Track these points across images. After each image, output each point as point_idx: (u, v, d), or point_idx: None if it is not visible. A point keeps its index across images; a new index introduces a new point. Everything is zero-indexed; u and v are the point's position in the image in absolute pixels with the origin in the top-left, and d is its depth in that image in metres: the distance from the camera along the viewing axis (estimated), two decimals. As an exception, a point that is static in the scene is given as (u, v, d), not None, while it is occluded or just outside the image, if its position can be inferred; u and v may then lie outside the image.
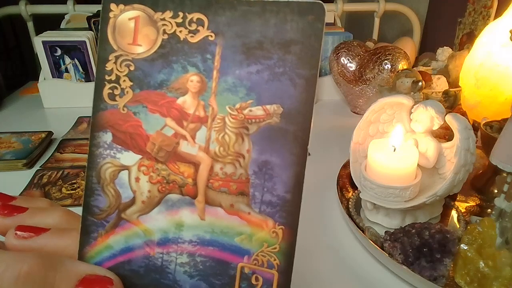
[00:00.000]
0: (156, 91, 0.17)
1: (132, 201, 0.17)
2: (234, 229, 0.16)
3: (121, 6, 0.17)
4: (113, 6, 0.17)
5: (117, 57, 0.17)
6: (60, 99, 0.91)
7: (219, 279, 0.16)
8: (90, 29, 0.94)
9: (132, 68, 0.17)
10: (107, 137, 0.17)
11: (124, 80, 0.17)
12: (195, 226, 0.16)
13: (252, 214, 0.16)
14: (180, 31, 0.16)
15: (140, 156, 0.17)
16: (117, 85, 0.17)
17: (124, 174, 0.17)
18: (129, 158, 0.17)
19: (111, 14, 0.17)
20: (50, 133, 0.72)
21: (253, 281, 0.16)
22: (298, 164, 0.16)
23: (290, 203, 0.15)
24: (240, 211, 0.16)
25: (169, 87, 0.17)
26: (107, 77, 0.17)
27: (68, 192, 0.55)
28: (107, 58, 0.17)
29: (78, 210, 0.45)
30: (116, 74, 0.17)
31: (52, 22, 1.05)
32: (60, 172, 0.60)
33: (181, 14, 0.16)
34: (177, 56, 0.17)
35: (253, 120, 0.16)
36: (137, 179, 0.17)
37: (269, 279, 0.16)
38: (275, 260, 0.16)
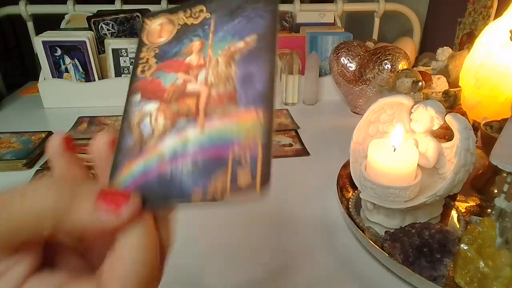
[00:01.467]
0: (172, 59, 0.24)
1: (152, 135, 0.22)
2: (227, 129, 0.20)
3: (152, 19, 0.25)
4: (147, 20, 0.25)
5: (147, 48, 0.24)
6: (60, 99, 0.91)
7: (215, 169, 0.20)
8: (90, 29, 0.94)
9: (157, 51, 0.24)
10: (137, 97, 0.23)
11: (151, 59, 0.24)
12: (198, 139, 0.21)
13: (239, 110, 0.20)
14: (188, 20, 0.24)
15: (159, 103, 0.23)
16: (146, 64, 0.24)
17: (147, 118, 0.22)
18: (151, 106, 0.23)
19: (145, 26, 0.25)
20: (50, 133, 0.72)
21: (243, 161, 0.19)
22: (270, 65, 0.21)
23: (267, 93, 0.20)
24: (230, 113, 0.21)
25: (180, 54, 0.23)
26: (140, 61, 0.24)
27: (68, 192, 0.55)
28: (141, 50, 0.24)
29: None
30: (147, 58, 0.24)
31: (52, 22, 1.05)
32: (60, 172, 0.60)
33: (189, 11, 0.24)
34: (185, 34, 0.24)
35: (238, 51, 0.22)
36: (156, 119, 0.22)
37: (254, 155, 0.19)
38: (258, 138, 0.20)
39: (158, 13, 0.25)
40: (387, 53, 0.81)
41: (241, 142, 0.20)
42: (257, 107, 0.20)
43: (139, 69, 0.24)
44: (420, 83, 0.68)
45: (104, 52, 0.93)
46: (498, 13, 0.84)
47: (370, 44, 0.96)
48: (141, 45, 0.24)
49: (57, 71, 0.91)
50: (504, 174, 0.48)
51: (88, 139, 0.71)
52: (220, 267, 0.42)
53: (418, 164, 0.45)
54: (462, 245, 0.39)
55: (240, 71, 0.21)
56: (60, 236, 0.20)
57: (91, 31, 0.93)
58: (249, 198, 0.19)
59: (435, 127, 0.47)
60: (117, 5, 1.09)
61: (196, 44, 0.23)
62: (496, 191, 0.52)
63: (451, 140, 0.45)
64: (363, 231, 0.44)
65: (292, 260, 0.44)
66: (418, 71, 0.72)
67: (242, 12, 0.22)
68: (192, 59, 0.23)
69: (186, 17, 0.24)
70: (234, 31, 0.22)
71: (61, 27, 1.04)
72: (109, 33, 0.95)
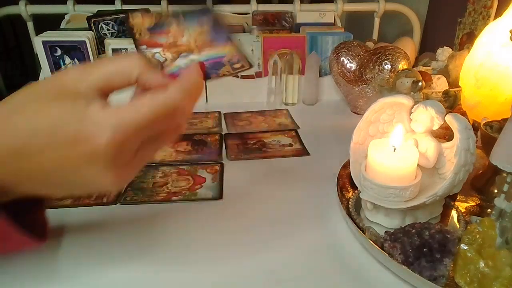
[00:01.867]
0: (160, 31, 0.37)
1: (166, 61, 0.37)
2: (216, 53, 0.36)
3: (132, 15, 0.38)
4: (129, 15, 0.38)
5: (138, 29, 0.37)
6: (60, 99, 0.90)
7: (219, 66, 0.37)
8: (90, 29, 0.94)
9: (146, 30, 0.37)
10: (144, 47, 0.37)
11: (144, 33, 0.38)
12: (199, 58, 0.36)
13: (218, 46, 0.37)
14: (159, 17, 0.38)
15: (161, 48, 0.37)
16: (142, 35, 0.38)
17: (157, 54, 0.37)
18: (157, 49, 0.37)
19: (131, 21, 0.38)
20: (50, 133, 0.72)
21: (233, 61, 0.37)
22: (226, 33, 0.37)
23: (231, 38, 0.37)
24: (214, 47, 0.37)
25: (164, 30, 0.37)
26: (136, 35, 0.38)
27: (68, 192, 0.55)
28: (134, 30, 0.38)
29: (79, 210, 0.45)
30: (140, 34, 0.38)
31: (52, 22, 1.05)
32: (60, 172, 0.60)
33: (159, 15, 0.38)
34: (162, 22, 0.37)
35: (203, 30, 0.37)
36: (164, 54, 0.37)
37: (237, 58, 0.37)
38: (235, 52, 0.37)
39: (135, 13, 0.40)
40: (387, 53, 0.81)
41: (227, 56, 0.37)
42: (227, 42, 0.37)
43: (137, 35, 0.38)
44: (420, 83, 0.68)
45: (104, 52, 0.93)
46: (498, 13, 0.84)
47: (370, 44, 0.96)
48: (131, 28, 0.38)
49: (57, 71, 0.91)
50: (504, 174, 0.48)
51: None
52: (218, 266, 0.43)
53: (418, 164, 0.45)
54: (462, 245, 0.39)
55: (209, 36, 0.37)
56: (136, 84, 0.32)
57: (91, 31, 0.93)
58: (244, 70, 0.37)
59: (435, 127, 0.47)
60: (117, 5, 1.08)
61: (173, 25, 0.37)
62: (496, 191, 0.52)
63: (451, 140, 0.45)
64: (363, 231, 0.44)
65: (291, 260, 0.44)
66: (418, 71, 0.72)
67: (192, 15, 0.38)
68: (174, 30, 0.37)
69: (157, 17, 0.38)
70: (195, 22, 0.37)
71: (61, 27, 1.04)
72: (109, 33, 0.95)
